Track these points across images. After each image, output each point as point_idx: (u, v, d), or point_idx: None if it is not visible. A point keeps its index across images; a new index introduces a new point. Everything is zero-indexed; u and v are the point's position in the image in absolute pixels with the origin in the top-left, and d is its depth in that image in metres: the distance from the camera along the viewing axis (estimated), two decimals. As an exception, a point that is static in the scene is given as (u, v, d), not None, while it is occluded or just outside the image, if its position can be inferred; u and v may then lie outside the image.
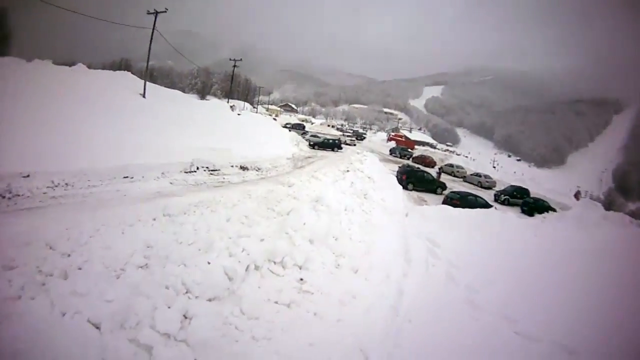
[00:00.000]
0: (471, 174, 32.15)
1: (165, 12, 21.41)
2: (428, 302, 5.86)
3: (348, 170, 15.08)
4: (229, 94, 51.37)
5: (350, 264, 7.00)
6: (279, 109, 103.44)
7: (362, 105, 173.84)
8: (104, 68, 32.70)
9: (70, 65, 19.68)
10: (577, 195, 33.97)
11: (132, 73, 23.70)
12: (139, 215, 6.50)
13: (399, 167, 24.59)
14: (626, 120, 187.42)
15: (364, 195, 11.58)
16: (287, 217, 8.30)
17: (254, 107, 74.61)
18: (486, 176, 31.23)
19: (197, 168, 13.36)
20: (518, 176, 47.58)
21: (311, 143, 30.91)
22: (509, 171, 55.19)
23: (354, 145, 40.83)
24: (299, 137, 31.50)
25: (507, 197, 23.88)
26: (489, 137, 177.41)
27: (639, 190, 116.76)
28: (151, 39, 21.50)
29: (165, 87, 32.02)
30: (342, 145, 33.50)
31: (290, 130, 36.58)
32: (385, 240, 8.54)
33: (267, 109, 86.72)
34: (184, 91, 62.96)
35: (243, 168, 15.65)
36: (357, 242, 8.11)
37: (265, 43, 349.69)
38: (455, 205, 15.37)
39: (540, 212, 20.86)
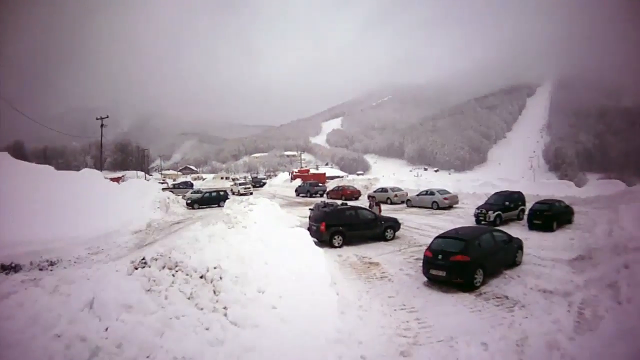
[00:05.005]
0: (418, 195, 22.58)
1: None
2: None
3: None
4: (102, 164, 43.54)
5: None
6: (177, 172, 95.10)
7: (262, 154, 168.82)
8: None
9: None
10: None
11: (24, 155, 16.64)
12: None
13: (310, 209, 16.19)
14: (541, 99, 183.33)
15: None
16: None
17: (150, 175, 66.72)
18: (441, 191, 21.97)
19: None
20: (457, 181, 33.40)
21: (188, 202, 24.94)
22: (439, 181, 35.16)
23: (250, 194, 30.11)
24: (174, 197, 25.71)
25: (497, 212, 15.22)
26: (400, 156, 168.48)
27: (578, 162, 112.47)
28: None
29: (59, 167, 27.32)
30: (232, 197, 25.46)
31: (171, 191, 31.04)
32: None
33: (162, 175, 78.01)
34: (78, 169, 52.75)
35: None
36: None
37: (162, 110, 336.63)
38: (460, 269, 7.90)
39: (562, 222, 14.15)
